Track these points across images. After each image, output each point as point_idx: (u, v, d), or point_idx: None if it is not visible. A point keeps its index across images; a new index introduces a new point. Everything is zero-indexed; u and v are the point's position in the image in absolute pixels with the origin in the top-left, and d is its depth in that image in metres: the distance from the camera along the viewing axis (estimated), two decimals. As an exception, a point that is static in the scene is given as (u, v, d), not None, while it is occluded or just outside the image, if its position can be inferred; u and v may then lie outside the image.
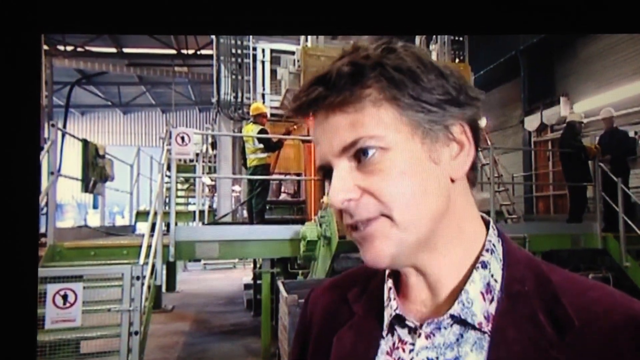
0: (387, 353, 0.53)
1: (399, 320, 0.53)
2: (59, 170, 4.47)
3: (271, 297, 5.11)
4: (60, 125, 6.10)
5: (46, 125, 8.13)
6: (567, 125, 6.17)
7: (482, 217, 0.56)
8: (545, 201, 8.72)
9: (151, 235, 4.00)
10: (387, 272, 0.57)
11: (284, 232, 4.84)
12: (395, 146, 0.48)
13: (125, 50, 12.07)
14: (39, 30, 0.65)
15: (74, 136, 5.83)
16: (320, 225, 4.50)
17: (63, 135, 6.59)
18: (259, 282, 6.26)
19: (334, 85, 0.48)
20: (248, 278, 8.79)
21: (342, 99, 0.48)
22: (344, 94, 0.48)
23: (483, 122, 7.71)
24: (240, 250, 4.89)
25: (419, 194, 0.48)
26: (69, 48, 11.23)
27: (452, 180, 0.51)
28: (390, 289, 0.56)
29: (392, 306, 0.54)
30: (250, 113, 6.13)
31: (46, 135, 8.11)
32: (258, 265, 6.68)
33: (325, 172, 0.53)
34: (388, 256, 0.49)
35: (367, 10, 0.66)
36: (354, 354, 0.55)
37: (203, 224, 7.25)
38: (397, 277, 0.56)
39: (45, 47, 9.10)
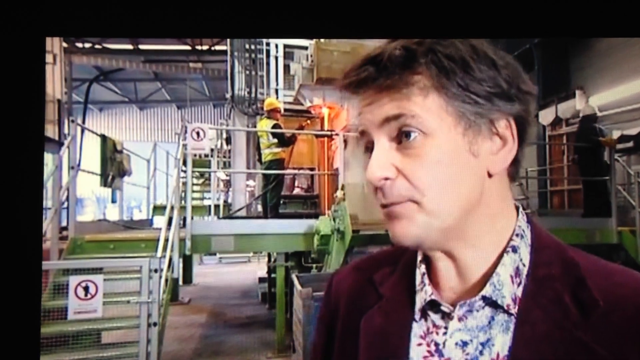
0: (421, 337, 0.54)
1: (432, 305, 0.54)
2: (79, 165, 4.57)
3: (285, 290, 5.15)
4: (79, 121, 6.24)
5: (66, 121, 8.31)
6: (583, 118, 6.07)
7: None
8: (560, 196, 8.59)
9: (168, 229, 4.06)
10: (419, 258, 0.58)
11: (298, 226, 4.88)
12: (437, 134, 0.48)
13: (141, 46, 12.20)
14: (42, 33, 0.66)
15: (92, 132, 5.95)
16: (334, 219, 4.52)
17: (82, 131, 6.72)
18: (273, 275, 6.31)
19: (385, 68, 0.49)
20: (262, 272, 8.86)
21: (391, 82, 0.49)
22: (393, 78, 0.48)
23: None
24: (255, 243, 4.95)
25: (451, 184, 0.49)
26: (87, 45, 11.42)
27: (490, 175, 0.51)
28: (423, 274, 0.56)
29: (426, 291, 0.55)
30: (264, 108, 6.17)
31: (66, 131, 8.29)
32: (272, 259, 6.75)
33: (367, 143, 0.53)
34: (413, 236, 0.50)
35: (374, 13, 0.67)
36: (384, 335, 0.56)
37: (218, 218, 7.35)
38: (428, 263, 0.56)
39: (64, 44, 9.26)
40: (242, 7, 0.68)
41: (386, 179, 0.50)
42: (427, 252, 0.55)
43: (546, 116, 8.73)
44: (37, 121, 0.69)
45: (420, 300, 0.55)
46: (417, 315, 0.55)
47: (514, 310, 0.50)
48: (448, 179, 0.49)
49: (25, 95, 0.67)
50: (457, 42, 0.49)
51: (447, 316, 0.53)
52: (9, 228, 0.68)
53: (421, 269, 0.57)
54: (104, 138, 5.50)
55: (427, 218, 0.49)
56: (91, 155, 6.01)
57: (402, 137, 0.49)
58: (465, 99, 0.48)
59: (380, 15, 0.68)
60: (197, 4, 0.68)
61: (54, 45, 8.50)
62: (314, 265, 5.28)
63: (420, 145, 0.49)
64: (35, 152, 0.69)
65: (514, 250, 0.52)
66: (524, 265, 0.52)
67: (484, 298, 0.50)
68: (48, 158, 8.34)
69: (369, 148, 0.53)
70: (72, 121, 4.54)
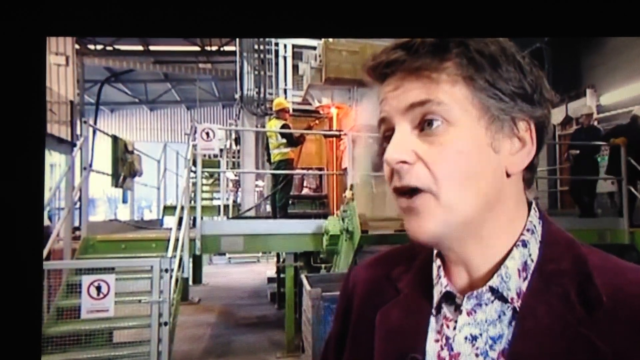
0: (438, 332, 0.54)
1: (446, 297, 0.54)
2: (91, 165, 4.62)
3: (294, 290, 5.17)
4: (91, 122, 6.31)
5: (78, 122, 8.41)
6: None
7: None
8: (570, 195, 8.52)
9: (178, 229, 4.08)
10: (434, 252, 0.58)
11: (307, 226, 4.90)
12: (460, 124, 0.49)
13: (152, 48, 12.32)
14: (43, 32, 0.65)
15: (104, 132, 6.03)
16: (343, 219, 4.53)
17: (94, 132, 6.80)
18: (282, 275, 6.34)
19: (416, 51, 0.49)
20: (271, 272, 8.91)
21: (420, 65, 0.49)
22: (423, 61, 0.49)
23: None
24: (264, 244, 4.97)
25: (471, 176, 0.49)
26: (99, 47, 11.55)
27: (508, 175, 0.51)
28: (439, 267, 0.56)
29: (442, 283, 0.55)
30: (273, 108, 6.19)
31: (78, 132, 8.39)
32: (281, 259, 6.78)
33: (385, 130, 0.54)
34: (430, 233, 0.50)
35: (381, 12, 0.68)
36: (402, 329, 0.56)
37: (228, 218, 7.39)
38: (443, 258, 0.57)
39: (76, 46, 9.38)
40: (248, 6, 0.68)
41: (404, 162, 0.50)
42: (443, 253, 0.56)
43: (556, 115, 8.65)
44: (38, 121, 0.68)
45: (437, 293, 0.55)
46: (434, 310, 0.55)
47: (517, 303, 0.50)
48: (468, 170, 0.49)
49: (25, 95, 0.67)
50: (488, 41, 0.50)
51: (458, 309, 0.53)
52: (9, 228, 0.68)
53: (437, 262, 0.57)
54: (115, 139, 5.56)
55: (445, 213, 0.49)
56: (103, 155, 6.09)
57: (424, 124, 0.49)
58: (490, 94, 0.49)
59: (387, 14, 0.68)
60: (198, 3, 0.68)
61: (67, 47, 8.61)
62: (323, 266, 5.29)
63: (442, 134, 0.49)
64: (35, 152, 0.69)
65: (524, 244, 0.52)
66: (532, 260, 0.52)
67: (491, 290, 0.51)
68: (61, 159, 8.46)
69: (388, 137, 0.53)
70: (85, 122, 4.58)
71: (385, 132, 0.53)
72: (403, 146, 0.50)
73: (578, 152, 5.91)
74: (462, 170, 0.48)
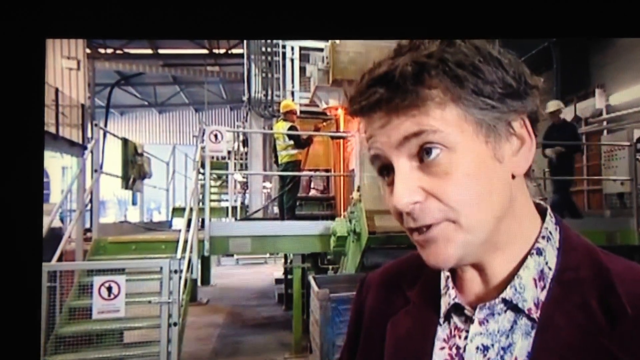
0: (444, 340, 0.54)
1: (455, 308, 0.54)
2: (101, 167, 4.68)
3: (302, 291, 5.19)
4: (101, 125, 6.39)
5: (89, 125, 8.52)
6: None
7: (538, 204, 0.55)
8: (579, 196, 8.42)
9: (187, 231, 4.11)
10: None
11: (314, 227, 4.90)
12: (460, 147, 0.47)
13: (161, 51, 12.43)
14: (42, 34, 0.67)
15: (114, 135, 6.10)
16: (350, 221, 4.53)
17: (104, 135, 6.88)
18: (289, 277, 6.35)
19: (398, 86, 0.46)
20: (279, 273, 8.91)
21: (408, 102, 0.46)
22: (409, 97, 0.46)
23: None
24: (272, 245, 4.99)
25: (485, 195, 0.47)
26: (109, 51, 11.68)
27: (513, 177, 0.50)
28: (447, 277, 0.56)
29: (450, 294, 0.54)
30: (280, 110, 6.22)
31: (89, 135, 8.50)
32: (289, 261, 6.80)
33: (382, 166, 0.51)
34: (453, 259, 0.49)
35: (384, 13, 0.68)
36: (410, 340, 0.56)
37: (236, 219, 7.44)
38: (451, 269, 0.55)
39: (87, 50, 9.50)
40: (251, 7, 0.69)
41: (415, 203, 0.47)
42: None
43: (565, 116, 8.57)
44: (37, 121, 0.69)
45: (444, 304, 0.55)
46: (441, 319, 0.55)
47: (536, 315, 0.48)
48: (480, 191, 0.47)
49: (25, 95, 0.68)
50: (462, 47, 0.48)
51: (469, 320, 0.52)
52: (9, 228, 0.69)
53: (445, 272, 0.56)
54: (125, 141, 5.62)
55: (466, 236, 0.48)
56: (113, 158, 6.15)
57: (422, 154, 0.47)
58: (481, 105, 0.47)
59: (389, 15, 0.68)
60: (196, 4, 0.68)
61: (78, 51, 8.73)
62: (331, 267, 5.31)
63: (445, 162, 0.46)
64: (35, 152, 0.69)
65: (539, 252, 0.51)
66: (549, 268, 0.50)
67: (504, 301, 0.50)
68: (73, 161, 8.57)
69: (385, 171, 0.51)
70: (95, 125, 4.64)
71: (381, 168, 0.51)
72: (409, 187, 0.47)
73: (564, 150, 5.76)
74: (474, 192, 0.47)
